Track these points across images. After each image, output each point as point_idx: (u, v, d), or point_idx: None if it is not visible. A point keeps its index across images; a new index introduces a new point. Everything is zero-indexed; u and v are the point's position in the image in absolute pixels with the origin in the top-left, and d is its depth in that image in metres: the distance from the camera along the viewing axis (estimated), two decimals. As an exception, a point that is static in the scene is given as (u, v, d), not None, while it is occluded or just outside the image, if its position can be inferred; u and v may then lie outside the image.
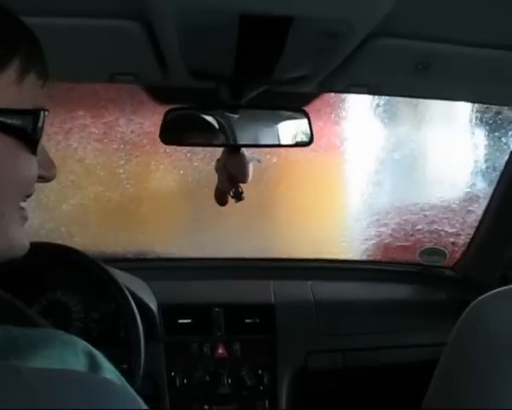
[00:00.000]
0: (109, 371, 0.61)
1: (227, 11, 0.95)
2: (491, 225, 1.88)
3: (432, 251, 2.10)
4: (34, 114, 0.59)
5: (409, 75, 1.21)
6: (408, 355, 1.80)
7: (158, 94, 1.49)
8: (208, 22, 0.99)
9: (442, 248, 2.08)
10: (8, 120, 0.55)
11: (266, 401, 1.66)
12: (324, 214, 2.29)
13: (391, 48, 1.11)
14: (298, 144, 1.39)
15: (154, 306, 1.67)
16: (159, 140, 1.31)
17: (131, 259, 2.09)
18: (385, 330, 1.81)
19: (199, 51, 1.11)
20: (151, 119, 1.92)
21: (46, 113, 0.60)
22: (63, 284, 1.63)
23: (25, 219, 0.62)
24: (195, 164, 2.07)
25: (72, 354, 0.58)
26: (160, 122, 1.31)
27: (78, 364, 0.58)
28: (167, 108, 1.35)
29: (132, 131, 2.00)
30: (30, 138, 0.58)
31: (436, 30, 1.07)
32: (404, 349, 1.80)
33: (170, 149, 2.00)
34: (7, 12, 0.58)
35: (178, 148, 1.92)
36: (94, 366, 0.59)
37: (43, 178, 0.63)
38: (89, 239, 2.10)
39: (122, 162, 2.09)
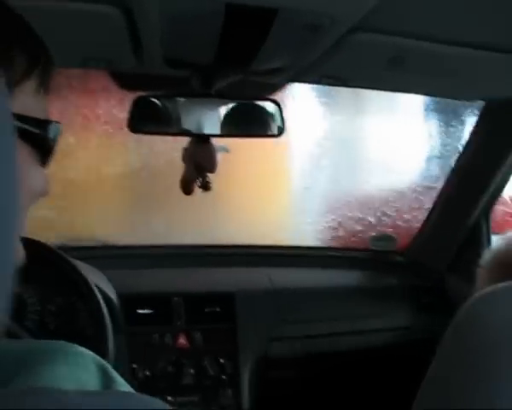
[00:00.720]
0: (122, 385, 0.59)
1: (213, 0, 0.93)
2: (442, 213, 1.95)
3: (381, 237, 2.15)
4: (50, 124, 0.57)
5: (383, 69, 1.23)
6: (364, 340, 1.85)
7: (125, 80, 1.43)
8: (193, 10, 0.97)
9: (391, 234, 2.14)
10: (28, 127, 0.54)
11: (229, 390, 1.66)
12: (272, 202, 2.31)
13: (368, 43, 1.12)
14: (269, 135, 1.38)
15: (114, 296, 1.63)
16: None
17: (85, 247, 2.02)
18: (342, 317, 1.85)
19: (179, 39, 1.08)
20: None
21: (60, 125, 0.59)
22: (18, 277, 1.56)
23: (24, 232, 0.60)
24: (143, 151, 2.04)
25: (84, 370, 0.56)
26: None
27: (92, 381, 0.56)
28: (135, 95, 1.31)
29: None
30: (44, 149, 0.57)
31: (412, 27, 1.10)
32: (361, 335, 1.85)
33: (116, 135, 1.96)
34: (29, 24, 0.56)
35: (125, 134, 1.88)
36: (108, 380, 0.57)
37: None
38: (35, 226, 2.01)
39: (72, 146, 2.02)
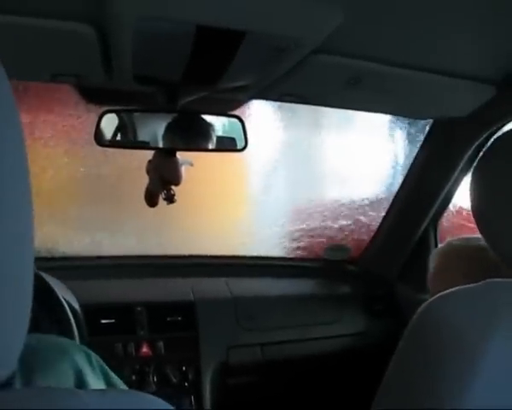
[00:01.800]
0: (121, 384, 0.63)
1: (185, 21, 0.98)
2: (392, 223, 2.04)
3: (335, 247, 2.23)
4: None
5: (340, 89, 1.30)
6: (320, 346, 1.91)
7: (92, 94, 1.46)
8: (165, 31, 1.01)
9: (345, 245, 2.22)
10: None
11: (192, 397, 1.70)
12: (232, 213, 2.35)
13: (327, 64, 1.19)
14: (232, 149, 1.43)
15: (77, 307, 1.64)
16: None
17: (45, 258, 2.01)
18: (298, 324, 1.91)
19: (149, 58, 1.12)
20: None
21: None
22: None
23: None
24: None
25: (89, 369, 0.60)
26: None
27: (97, 381, 0.60)
28: (101, 109, 1.34)
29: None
30: None
31: (368, 50, 1.18)
32: (317, 341, 1.91)
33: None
34: None
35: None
36: (109, 382, 0.61)
37: None
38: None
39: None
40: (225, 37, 1.03)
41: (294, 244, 2.30)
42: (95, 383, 0.58)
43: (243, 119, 2.05)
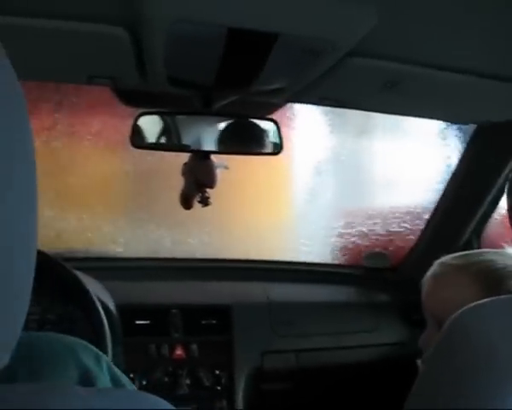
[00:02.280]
0: (131, 386, 0.63)
1: (217, 24, 0.97)
2: (435, 231, 1.99)
3: (375, 254, 2.19)
4: None
5: (378, 92, 1.28)
6: (357, 355, 1.88)
7: (128, 97, 1.47)
8: (197, 33, 1.01)
9: (384, 252, 2.18)
10: None
11: (224, 401, 1.70)
12: (276, 219, 2.34)
13: (363, 67, 1.17)
14: (267, 153, 1.42)
15: (113, 307, 1.66)
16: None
17: (82, 258, 2.05)
18: (335, 331, 1.88)
19: (182, 60, 1.13)
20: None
21: None
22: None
23: None
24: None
25: (97, 369, 0.59)
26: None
27: (104, 382, 0.59)
28: (137, 111, 1.34)
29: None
30: None
31: (406, 52, 1.14)
32: (352, 349, 1.88)
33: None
34: None
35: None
36: (118, 384, 0.61)
37: None
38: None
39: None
40: (258, 39, 1.02)
41: (338, 250, 2.26)
42: (102, 383, 0.58)
43: (286, 122, 2.06)
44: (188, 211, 1.55)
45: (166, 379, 1.68)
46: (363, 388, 1.91)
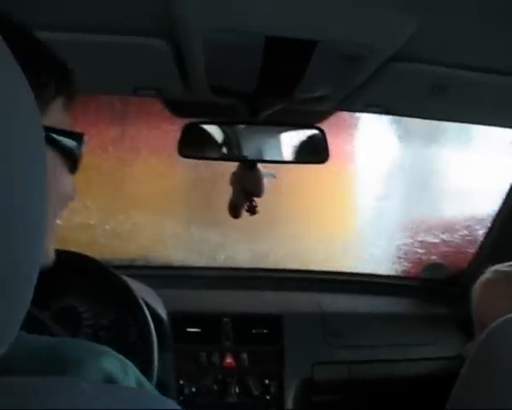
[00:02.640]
0: (147, 383, 0.64)
1: (254, 32, 0.98)
2: (497, 242, 1.91)
3: (433, 266, 2.13)
4: (79, 136, 0.65)
5: (425, 98, 1.24)
6: (412, 368, 1.83)
7: (176, 107, 1.51)
8: (234, 42, 1.02)
9: (442, 263, 2.11)
10: (61, 140, 0.62)
11: (273, 411, 1.69)
12: (338, 228, 2.32)
13: (409, 72, 1.14)
14: (313, 161, 1.41)
15: (164, 314, 1.69)
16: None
17: (140, 266, 2.10)
18: (389, 344, 1.84)
19: (222, 69, 1.14)
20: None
21: (85, 136, 0.66)
22: (75, 291, 1.64)
23: (56, 232, 0.67)
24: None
25: (121, 375, 0.60)
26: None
27: (129, 382, 0.60)
28: (185, 121, 1.37)
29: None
30: (74, 158, 0.65)
31: (453, 56, 1.11)
32: (407, 362, 1.83)
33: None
34: (54, 54, 0.64)
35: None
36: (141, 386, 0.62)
37: None
38: (97, 245, 2.11)
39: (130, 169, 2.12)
40: (296, 46, 1.02)
41: (402, 261, 2.21)
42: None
43: (349, 130, 2.03)
44: (246, 220, 1.56)
45: (216, 387, 1.69)
46: (416, 402, 1.85)
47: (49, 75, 0.61)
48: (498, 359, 0.75)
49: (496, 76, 1.15)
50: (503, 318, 0.81)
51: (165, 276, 2.02)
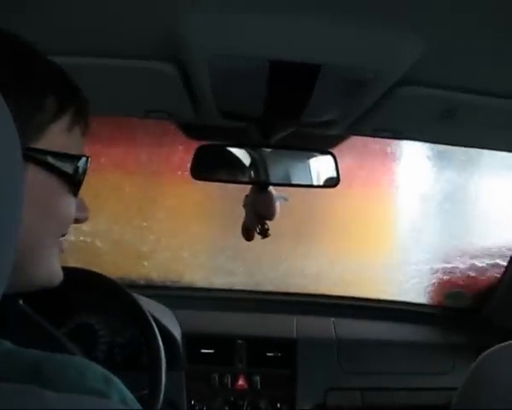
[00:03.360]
0: (132, 402, 0.64)
1: (257, 57, 0.99)
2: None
3: (455, 294, 2.09)
4: (79, 159, 0.66)
5: (434, 122, 1.23)
6: (427, 397, 1.79)
7: (189, 130, 1.54)
8: (239, 67, 1.03)
9: (464, 291, 2.07)
10: (58, 163, 0.62)
11: (285, 436, 1.68)
12: (375, 254, 2.29)
13: (416, 96, 1.13)
14: (325, 186, 1.42)
15: (177, 334, 1.70)
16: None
17: (157, 286, 2.12)
18: (403, 372, 1.81)
19: (229, 93, 1.16)
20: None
21: (89, 159, 0.67)
22: (91, 309, 1.67)
23: (62, 251, 0.69)
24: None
25: (106, 389, 0.61)
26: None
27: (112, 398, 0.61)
28: (198, 144, 1.39)
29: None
30: (73, 181, 0.65)
31: (462, 80, 1.10)
32: (424, 391, 1.79)
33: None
34: (64, 72, 0.66)
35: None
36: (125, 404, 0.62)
37: (76, 220, 0.70)
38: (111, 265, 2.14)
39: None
40: (301, 70, 1.03)
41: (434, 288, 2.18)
42: None
43: (388, 155, 2.02)
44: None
45: (227, 408, 1.69)
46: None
47: (49, 96, 0.62)
48: (482, 394, 0.74)
49: (506, 100, 1.14)
50: (485, 353, 0.80)
51: (181, 296, 2.04)
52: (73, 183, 0.65)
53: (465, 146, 1.51)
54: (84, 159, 0.67)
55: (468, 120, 1.22)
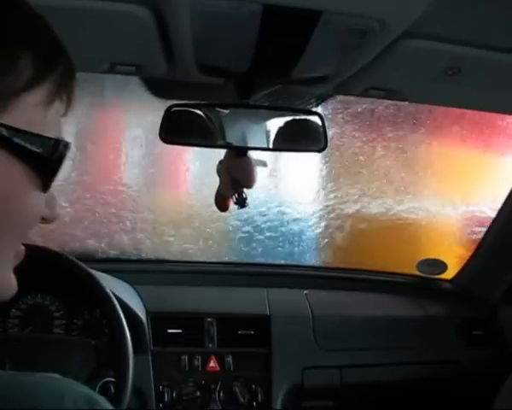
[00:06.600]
0: None
1: (251, 0, 0.85)
2: (496, 238, 1.82)
3: (430, 262, 2.02)
4: (57, 143, 0.51)
5: (435, 81, 1.13)
6: (408, 373, 1.72)
7: (156, 87, 1.36)
8: (227, 11, 0.88)
9: (442, 260, 2.00)
10: (29, 145, 0.47)
11: (261, 419, 1.57)
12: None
13: (420, 50, 1.03)
14: (310, 149, 1.29)
15: (141, 313, 1.56)
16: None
17: (115, 259, 1.96)
18: (383, 346, 1.73)
19: (212, 43, 1.00)
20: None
21: (68, 145, 0.52)
22: (44, 288, 1.51)
23: (20, 258, 0.55)
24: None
25: (73, 403, 0.51)
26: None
27: None
28: (167, 103, 1.23)
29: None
30: (47, 170, 0.50)
31: (471, 33, 0.99)
32: (404, 366, 1.72)
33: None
34: (50, 28, 0.51)
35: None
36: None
37: (44, 219, 0.55)
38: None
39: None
40: (297, 18, 0.89)
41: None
42: None
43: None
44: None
45: (198, 393, 1.56)
46: (411, 408, 1.75)
47: (24, 56, 0.47)
48: None
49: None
50: None
51: (144, 270, 1.88)
52: (46, 173, 0.50)
53: (466, 107, 1.41)
54: (62, 143, 0.51)
55: (473, 78, 1.11)
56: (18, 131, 0.46)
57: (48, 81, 0.49)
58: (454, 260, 2.02)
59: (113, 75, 1.56)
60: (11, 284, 0.54)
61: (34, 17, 0.50)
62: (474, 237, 2.05)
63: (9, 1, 0.48)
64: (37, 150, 0.48)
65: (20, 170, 0.47)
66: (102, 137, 2.01)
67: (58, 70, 0.51)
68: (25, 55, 0.47)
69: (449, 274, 2.00)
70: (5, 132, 0.45)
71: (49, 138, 0.50)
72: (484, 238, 1.87)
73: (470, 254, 1.94)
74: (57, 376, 0.59)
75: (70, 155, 1.80)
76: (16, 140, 0.46)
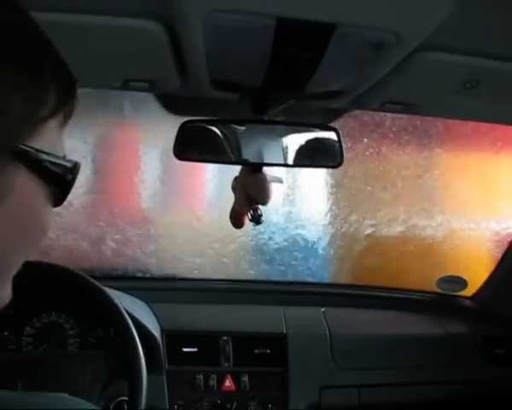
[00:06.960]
0: None
1: (264, 14, 0.83)
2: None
3: (450, 279, 1.98)
4: (75, 164, 0.53)
5: (453, 94, 1.10)
6: (426, 393, 1.69)
7: (171, 104, 1.36)
8: (240, 25, 0.87)
9: (462, 277, 1.96)
10: (51, 166, 0.49)
11: (277, 440, 1.54)
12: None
13: (438, 63, 1.01)
14: (326, 165, 1.27)
15: (156, 332, 1.55)
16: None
17: (130, 277, 1.95)
18: (402, 366, 1.69)
19: (226, 58, 0.99)
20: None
21: (80, 166, 0.54)
22: (59, 306, 1.51)
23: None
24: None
25: None
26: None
27: None
28: (181, 119, 1.22)
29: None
30: (62, 189, 0.52)
31: (488, 44, 0.97)
32: (421, 386, 1.69)
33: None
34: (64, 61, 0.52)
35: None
36: None
37: None
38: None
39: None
40: (311, 31, 0.87)
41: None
42: None
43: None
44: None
45: (214, 413, 1.54)
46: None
47: (51, 85, 0.48)
48: None
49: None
50: None
51: (158, 288, 1.87)
52: (61, 190, 0.52)
53: (483, 120, 1.38)
54: (78, 165, 0.53)
55: (490, 90, 1.09)
56: (43, 154, 0.48)
57: (66, 107, 0.51)
58: (474, 277, 1.98)
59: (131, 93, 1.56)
60: (8, 295, 0.54)
61: (54, 46, 0.52)
62: (494, 253, 2.01)
63: (44, 40, 0.49)
64: (59, 171, 0.50)
65: (39, 188, 0.49)
66: (119, 155, 2.01)
67: (73, 97, 0.53)
68: (51, 85, 0.49)
69: (469, 291, 1.96)
70: (33, 155, 0.47)
71: (70, 160, 0.52)
72: (505, 254, 1.83)
73: (491, 270, 1.89)
74: (67, 396, 0.58)
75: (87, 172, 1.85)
76: (42, 162, 0.48)
